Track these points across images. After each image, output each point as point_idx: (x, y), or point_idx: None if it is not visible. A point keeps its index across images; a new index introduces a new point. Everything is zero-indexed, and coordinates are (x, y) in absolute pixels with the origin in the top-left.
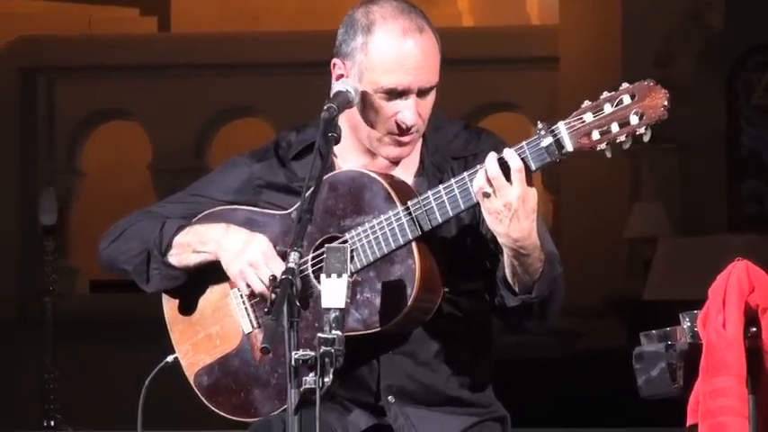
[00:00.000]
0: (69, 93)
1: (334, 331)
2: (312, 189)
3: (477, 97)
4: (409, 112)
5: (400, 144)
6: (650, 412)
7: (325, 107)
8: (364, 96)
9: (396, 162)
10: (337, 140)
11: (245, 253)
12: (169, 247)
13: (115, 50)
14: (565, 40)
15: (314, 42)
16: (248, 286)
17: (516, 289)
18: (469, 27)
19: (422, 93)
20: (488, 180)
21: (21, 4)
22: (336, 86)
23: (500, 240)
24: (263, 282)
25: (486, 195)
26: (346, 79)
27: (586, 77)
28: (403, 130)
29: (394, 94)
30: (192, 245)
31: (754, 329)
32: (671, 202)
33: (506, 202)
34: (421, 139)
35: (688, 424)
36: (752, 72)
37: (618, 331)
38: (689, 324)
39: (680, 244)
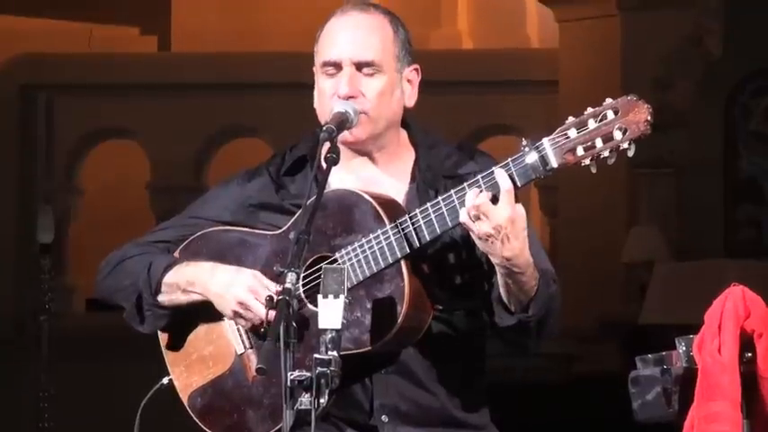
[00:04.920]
0: (69, 111)
1: (330, 352)
2: (311, 210)
3: (475, 119)
4: (342, 82)
5: None
6: None
7: (324, 128)
8: (318, 83)
9: (355, 150)
10: (335, 161)
11: (233, 293)
12: (158, 288)
13: (115, 69)
14: (564, 63)
15: None
16: (246, 321)
17: (512, 308)
18: (469, 49)
19: (360, 68)
20: (476, 207)
21: (21, 22)
22: (336, 107)
23: (492, 261)
24: (258, 316)
25: (477, 218)
26: (347, 101)
27: (585, 101)
28: None
29: (330, 68)
30: (180, 285)
31: (750, 355)
32: (668, 227)
33: (496, 224)
34: (413, 156)
35: None
36: (750, 98)
37: (613, 355)
38: (684, 348)
39: (676, 268)
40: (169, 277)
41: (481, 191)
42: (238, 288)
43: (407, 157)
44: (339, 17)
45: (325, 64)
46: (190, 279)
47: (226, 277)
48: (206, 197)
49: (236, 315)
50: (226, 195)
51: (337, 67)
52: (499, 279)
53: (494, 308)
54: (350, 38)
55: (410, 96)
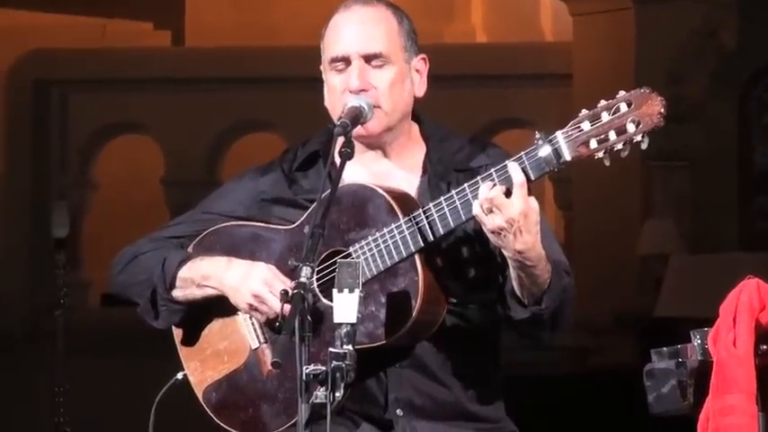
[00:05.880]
0: (82, 106)
1: (345, 346)
2: (325, 204)
3: (489, 113)
4: (352, 76)
5: None
6: (660, 429)
7: (338, 122)
8: (327, 80)
9: (367, 143)
10: (350, 156)
11: (248, 286)
12: (173, 283)
13: (129, 64)
14: (578, 56)
15: None
16: (261, 314)
17: (525, 301)
18: (483, 43)
19: (369, 60)
20: (489, 200)
21: (34, 17)
22: (350, 102)
23: (504, 254)
24: (274, 309)
25: (490, 211)
26: (359, 96)
27: (599, 94)
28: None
29: (339, 63)
30: (195, 280)
31: (765, 347)
32: (682, 220)
33: (508, 218)
34: (425, 149)
35: None
36: (764, 91)
37: (628, 348)
38: (700, 341)
39: (691, 261)
40: (184, 272)
41: (495, 184)
42: (254, 281)
43: (419, 150)
44: (342, 13)
45: (334, 60)
46: (205, 273)
47: (241, 271)
48: (219, 192)
49: (252, 309)
50: (239, 190)
51: (346, 61)
52: (511, 272)
53: (507, 301)
54: (355, 32)
55: (420, 86)
